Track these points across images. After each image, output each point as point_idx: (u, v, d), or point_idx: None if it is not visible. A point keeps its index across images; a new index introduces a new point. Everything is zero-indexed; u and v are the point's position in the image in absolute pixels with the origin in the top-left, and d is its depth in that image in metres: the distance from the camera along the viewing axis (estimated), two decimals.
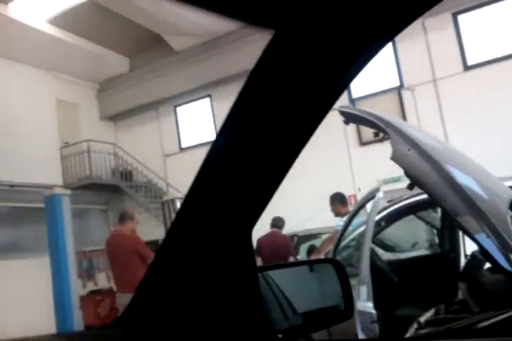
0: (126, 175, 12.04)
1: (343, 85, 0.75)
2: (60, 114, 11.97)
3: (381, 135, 1.93)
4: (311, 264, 1.42)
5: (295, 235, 7.91)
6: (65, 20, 10.52)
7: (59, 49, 11.04)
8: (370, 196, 3.30)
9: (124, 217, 5.48)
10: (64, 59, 11.49)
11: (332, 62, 0.70)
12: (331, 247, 4.24)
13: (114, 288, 9.74)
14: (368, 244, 2.86)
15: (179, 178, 11.58)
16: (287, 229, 6.97)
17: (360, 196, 6.25)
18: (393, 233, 4.13)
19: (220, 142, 0.85)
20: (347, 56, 0.70)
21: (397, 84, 9.95)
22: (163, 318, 0.94)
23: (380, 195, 3.08)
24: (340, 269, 1.22)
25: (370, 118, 1.91)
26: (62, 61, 11.59)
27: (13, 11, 9.88)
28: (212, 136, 11.81)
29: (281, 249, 6.23)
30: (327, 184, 8.62)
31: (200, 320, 0.91)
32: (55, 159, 11.58)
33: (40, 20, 10.44)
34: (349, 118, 2.24)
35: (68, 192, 7.22)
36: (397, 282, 3.30)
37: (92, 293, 9.71)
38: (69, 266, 6.57)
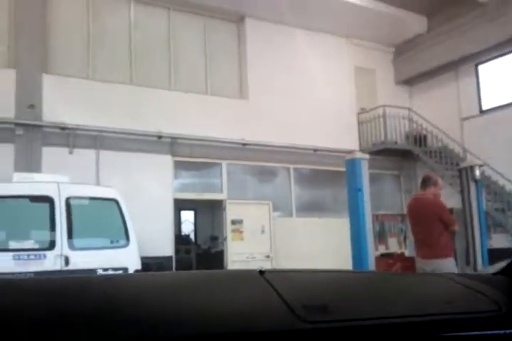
0: (420, 140, 11.85)
1: None
2: (358, 81, 12.49)
3: None
4: None
5: None
6: None
7: (358, 15, 11.37)
8: None
9: (427, 182, 5.38)
10: (361, 25, 11.79)
11: None
12: None
13: (406, 253, 10.02)
14: None
15: (478, 143, 10.82)
16: None
17: None
18: None
19: None
20: None
21: None
22: None
23: None
24: None
25: None
26: (359, 27, 11.94)
27: None
28: None
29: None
30: None
31: None
32: (353, 125, 12.21)
33: None
34: None
35: (367, 156, 7.49)
36: None
37: (384, 255, 10.10)
38: (366, 227, 6.92)
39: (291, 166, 11.25)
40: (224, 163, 10.42)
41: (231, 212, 10.08)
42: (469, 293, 0.99)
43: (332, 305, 0.92)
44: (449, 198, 8.69)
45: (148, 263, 7.11)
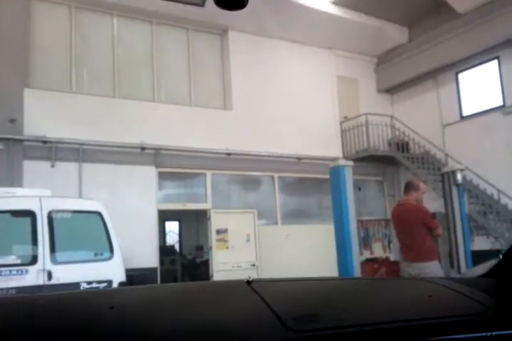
0: (403, 146, 11.97)
1: None
2: (340, 90, 12.61)
3: None
4: None
5: None
6: None
7: (340, 27, 11.50)
8: None
9: (409, 187, 5.39)
10: (344, 36, 11.94)
11: None
12: None
13: (391, 257, 10.05)
14: None
15: (459, 149, 10.97)
16: None
17: None
18: None
19: None
20: None
21: None
22: None
23: None
24: None
25: None
26: (342, 39, 12.08)
27: None
28: (498, 102, 10.73)
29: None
30: None
31: None
32: (336, 133, 12.30)
33: (324, 1, 11.03)
34: None
35: (351, 163, 7.54)
36: None
37: (369, 260, 10.18)
38: (351, 233, 6.97)
39: (276, 175, 11.26)
40: (208, 173, 10.39)
41: (216, 221, 10.03)
42: (456, 296, 1.00)
43: (320, 313, 0.91)
44: (433, 202, 8.76)
45: (133, 275, 7.04)
